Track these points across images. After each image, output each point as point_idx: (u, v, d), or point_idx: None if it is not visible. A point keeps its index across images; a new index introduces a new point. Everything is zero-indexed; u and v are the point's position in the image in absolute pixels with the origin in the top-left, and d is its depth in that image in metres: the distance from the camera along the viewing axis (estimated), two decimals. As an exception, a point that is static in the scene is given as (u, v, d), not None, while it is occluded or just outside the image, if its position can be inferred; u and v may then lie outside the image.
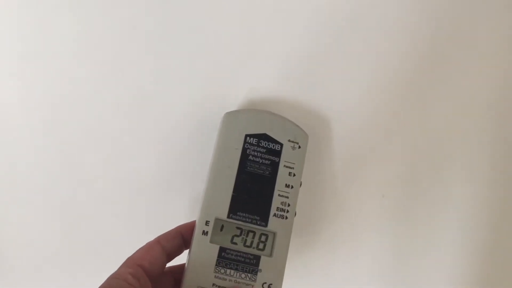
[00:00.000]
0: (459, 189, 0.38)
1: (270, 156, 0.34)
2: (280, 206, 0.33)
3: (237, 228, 0.32)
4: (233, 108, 0.36)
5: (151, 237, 0.33)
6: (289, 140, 0.34)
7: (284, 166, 0.34)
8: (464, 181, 0.38)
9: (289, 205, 0.33)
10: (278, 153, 0.34)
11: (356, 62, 0.36)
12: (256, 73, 0.35)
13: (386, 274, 0.40)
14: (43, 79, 0.36)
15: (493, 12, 0.35)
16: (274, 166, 0.33)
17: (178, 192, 0.38)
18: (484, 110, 0.37)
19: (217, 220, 0.32)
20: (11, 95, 0.36)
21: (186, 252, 0.33)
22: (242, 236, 0.32)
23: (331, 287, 0.40)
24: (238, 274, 0.31)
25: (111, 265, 0.30)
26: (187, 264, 0.31)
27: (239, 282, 0.31)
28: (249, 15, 0.34)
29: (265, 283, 0.32)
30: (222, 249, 0.32)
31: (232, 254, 0.32)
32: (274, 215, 0.33)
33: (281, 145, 0.34)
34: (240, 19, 0.34)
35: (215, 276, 0.31)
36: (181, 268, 0.33)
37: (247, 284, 0.31)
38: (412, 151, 0.38)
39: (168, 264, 0.33)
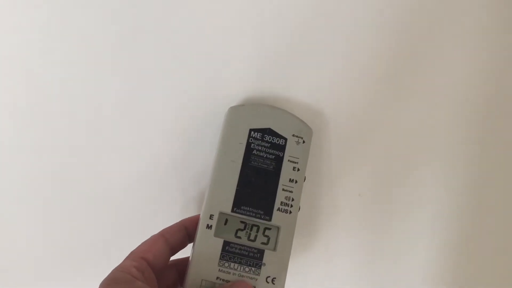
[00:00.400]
0: (435, 188, 0.38)
1: (274, 151, 0.34)
2: (284, 201, 0.33)
3: (241, 222, 0.32)
4: (237, 102, 0.36)
5: (155, 231, 0.33)
6: (293, 135, 0.34)
7: (289, 160, 0.34)
8: (440, 180, 0.38)
9: (293, 199, 0.33)
10: (282, 148, 0.34)
11: (331, 61, 0.35)
12: (259, 68, 0.35)
13: (363, 273, 0.41)
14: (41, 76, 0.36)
15: (468, 8, 0.34)
16: (278, 161, 0.34)
17: (182, 186, 0.38)
18: (459, 109, 0.37)
19: (221, 214, 0.32)
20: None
21: (190, 245, 0.34)
22: (246, 230, 0.32)
23: (306, 286, 0.40)
24: (242, 267, 0.31)
25: (117, 261, 0.30)
26: (191, 257, 0.31)
27: (243, 276, 0.31)
28: (251, 10, 0.34)
29: (269, 276, 0.32)
30: (226, 243, 0.32)
31: (236, 248, 0.32)
32: (278, 209, 0.33)
33: (285, 139, 0.34)
34: (242, 15, 0.34)
35: (219, 269, 0.31)
36: (185, 261, 0.33)
37: (251, 278, 0.31)
38: (388, 150, 0.38)
39: (172, 258, 0.33)
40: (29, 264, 0.41)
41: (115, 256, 0.31)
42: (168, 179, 0.38)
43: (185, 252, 0.34)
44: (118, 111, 0.36)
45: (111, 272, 0.29)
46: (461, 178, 0.38)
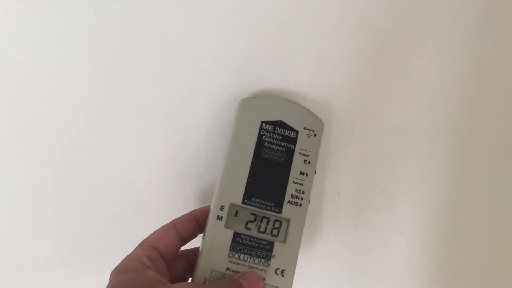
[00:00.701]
0: (417, 187, 0.38)
1: (285, 143, 0.34)
2: (295, 193, 0.33)
3: (252, 214, 0.32)
4: (249, 94, 0.36)
5: (167, 221, 0.33)
6: (304, 128, 0.34)
7: (300, 153, 0.34)
8: (422, 178, 0.38)
9: (303, 192, 0.33)
10: (293, 140, 0.34)
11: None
12: (272, 60, 0.35)
13: (345, 271, 0.41)
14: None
15: (445, 6, 0.34)
16: (290, 153, 0.33)
17: (193, 177, 0.38)
18: (441, 106, 0.36)
19: (231, 205, 0.32)
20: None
21: (199, 236, 0.34)
22: (257, 222, 0.32)
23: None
24: (251, 259, 0.32)
25: (130, 249, 0.31)
26: (202, 248, 0.32)
27: (252, 267, 0.31)
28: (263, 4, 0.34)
29: (278, 268, 0.32)
30: (236, 234, 0.32)
31: (246, 240, 0.32)
32: (289, 202, 0.33)
33: (297, 132, 0.34)
34: (252, 5, 0.34)
35: (229, 260, 0.31)
36: (195, 251, 0.33)
37: (261, 270, 0.32)
38: (370, 148, 0.37)
39: (182, 248, 0.33)
40: (37, 262, 0.42)
41: (125, 248, 0.31)
42: (178, 171, 0.38)
43: (195, 243, 0.34)
44: (125, 104, 0.36)
45: (122, 261, 0.29)
46: (443, 172, 0.38)
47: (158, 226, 0.33)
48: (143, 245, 0.31)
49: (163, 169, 0.38)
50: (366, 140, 0.37)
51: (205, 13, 0.33)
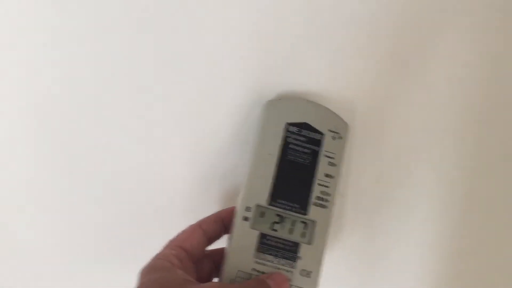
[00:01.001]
0: (434, 191, 0.38)
1: (310, 145, 0.34)
2: (320, 195, 0.33)
3: (277, 215, 0.32)
4: (274, 96, 0.36)
5: (190, 222, 0.34)
6: (329, 130, 0.34)
7: (325, 155, 0.34)
8: (432, 182, 0.38)
9: (329, 194, 0.33)
10: (318, 143, 0.34)
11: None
12: (297, 61, 0.35)
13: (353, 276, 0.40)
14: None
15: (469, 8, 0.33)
16: (315, 156, 0.34)
17: (218, 177, 0.38)
18: (455, 109, 0.36)
19: (258, 206, 0.32)
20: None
21: (225, 237, 0.34)
22: (282, 223, 0.32)
23: None
24: (277, 260, 0.32)
25: (155, 248, 0.31)
26: (228, 248, 0.32)
27: (278, 268, 0.32)
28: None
29: (304, 270, 0.32)
30: (262, 235, 0.32)
31: (272, 241, 0.32)
32: (314, 204, 0.33)
33: (322, 134, 0.34)
34: (277, 6, 0.34)
35: (255, 261, 0.32)
36: (220, 252, 0.34)
37: (287, 271, 0.32)
38: (388, 151, 0.37)
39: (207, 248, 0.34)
40: (60, 261, 0.43)
41: (150, 247, 0.31)
42: (202, 172, 0.38)
43: (220, 243, 0.34)
44: (153, 104, 0.37)
45: (151, 260, 0.30)
46: (461, 177, 0.37)
47: (183, 226, 0.33)
48: (170, 244, 0.31)
49: (189, 169, 0.38)
50: (386, 142, 0.37)
51: (231, 15, 0.33)
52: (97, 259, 0.43)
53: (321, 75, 0.35)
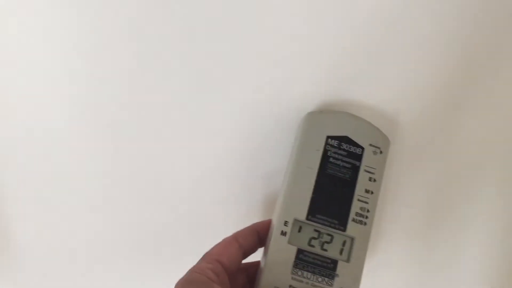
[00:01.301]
0: (491, 201, 0.37)
1: (350, 160, 0.33)
2: (359, 212, 0.32)
3: (315, 230, 0.32)
4: (312, 108, 0.35)
5: (220, 230, 0.33)
6: (370, 145, 0.33)
7: (365, 170, 0.33)
8: (494, 197, 0.37)
9: (368, 210, 0.32)
10: (359, 157, 0.33)
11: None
12: (338, 73, 0.34)
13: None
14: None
15: None
16: (355, 170, 0.33)
17: (250, 187, 0.38)
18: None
19: (296, 221, 0.31)
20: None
21: (259, 250, 0.33)
22: (320, 239, 0.32)
23: None
24: (315, 277, 0.31)
25: (181, 260, 0.30)
26: (264, 263, 0.31)
27: (315, 286, 0.31)
28: (330, 14, 0.33)
29: None
30: (299, 251, 0.31)
31: (309, 257, 0.31)
32: (353, 220, 0.32)
33: (363, 149, 0.33)
34: (321, 19, 0.33)
35: (292, 277, 0.31)
36: (254, 265, 0.33)
37: None
38: (446, 162, 0.36)
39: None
40: (95, 263, 0.43)
41: (179, 254, 0.31)
42: (236, 180, 0.38)
43: (255, 257, 0.33)
44: (188, 111, 0.36)
45: (187, 273, 0.29)
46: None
47: (216, 237, 0.33)
48: (206, 258, 0.30)
49: (226, 177, 0.38)
50: (432, 158, 0.36)
51: (278, 29, 0.33)
52: (130, 261, 0.42)
53: (363, 88, 0.34)
